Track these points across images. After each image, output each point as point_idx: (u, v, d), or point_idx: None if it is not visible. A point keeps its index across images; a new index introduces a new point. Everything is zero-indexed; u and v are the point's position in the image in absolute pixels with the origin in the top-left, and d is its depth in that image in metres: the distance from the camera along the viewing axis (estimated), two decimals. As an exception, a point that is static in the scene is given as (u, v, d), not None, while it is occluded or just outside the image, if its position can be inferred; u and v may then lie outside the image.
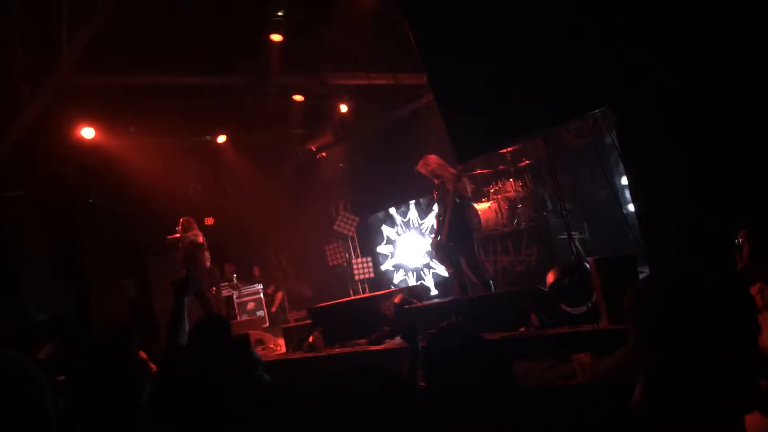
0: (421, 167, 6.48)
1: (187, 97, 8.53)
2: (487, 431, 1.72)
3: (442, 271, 8.78)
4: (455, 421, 1.74)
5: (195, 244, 8.34)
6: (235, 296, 10.07)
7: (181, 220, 8.74)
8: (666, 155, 3.06)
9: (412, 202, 9.87)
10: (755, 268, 2.68)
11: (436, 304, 6.74)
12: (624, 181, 7.15)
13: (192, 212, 9.01)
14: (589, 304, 4.51)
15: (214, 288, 8.74)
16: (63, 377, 3.16)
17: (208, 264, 8.59)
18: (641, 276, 4.09)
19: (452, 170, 6.37)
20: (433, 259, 9.16)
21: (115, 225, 9.88)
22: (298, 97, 8.83)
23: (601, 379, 1.89)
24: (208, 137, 10.01)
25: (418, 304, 6.09)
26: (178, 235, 8.75)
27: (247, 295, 10.31)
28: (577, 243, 7.33)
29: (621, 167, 6.77)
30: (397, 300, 6.00)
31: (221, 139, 9.97)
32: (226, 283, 9.93)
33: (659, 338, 1.61)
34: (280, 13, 7.15)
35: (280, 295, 10.87)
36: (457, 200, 6.33)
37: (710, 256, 2.77)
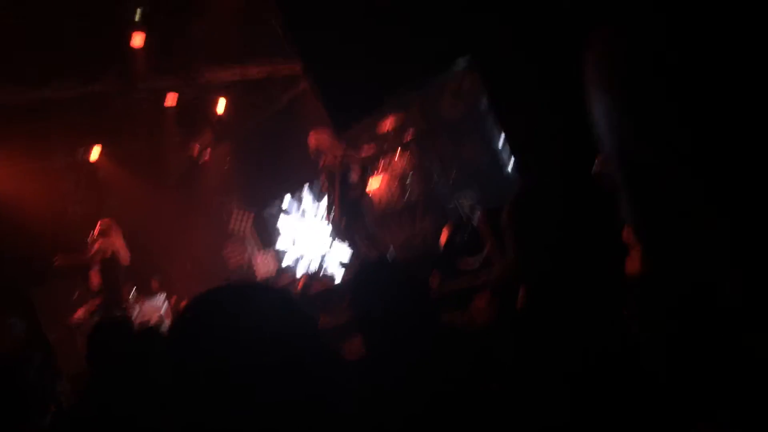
0: (311, 137, 6.48)
1: (52, 114, 8.04)
2: (407, 361, 1.77)
3: (344, 254, 8.83)
4: (379, 347, 1.79)
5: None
6: (136, 312, 9.65)
7: (99, 222, 8.24)
8: (527, 98, 3.24)
9: (304, 190, 9.84)
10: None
11: (339, 282, 6.78)
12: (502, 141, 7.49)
13: (75, 234, 8.54)
14: (483, 256, 4.72)
15: None
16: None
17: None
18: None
19: (338, 152, 6.43)
20: (334, 244, 9.19)
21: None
22: (171, 100, 8.55)
23: (492, 287, 2.01)
24: (80, 154, 9.49)
25: (321, 286, 6.13)
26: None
27: (149, 309, 9.89)
28: (466, 207, 7.61)
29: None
30: (299, 286, 6.01)
31: (95, 154, 9.49)
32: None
33: (531, 247, 1.73)
34: (137, 15, 6.89)
35: (184, 304, 10.54)
36: (347, 179, 6.41)
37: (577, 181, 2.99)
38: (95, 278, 8.47)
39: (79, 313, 8.87)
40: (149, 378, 2.69)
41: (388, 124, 8.02)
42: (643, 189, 0.63)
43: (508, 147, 6.11)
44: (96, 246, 8.07)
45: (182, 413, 0.86)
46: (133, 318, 9.20)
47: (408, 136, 8.21)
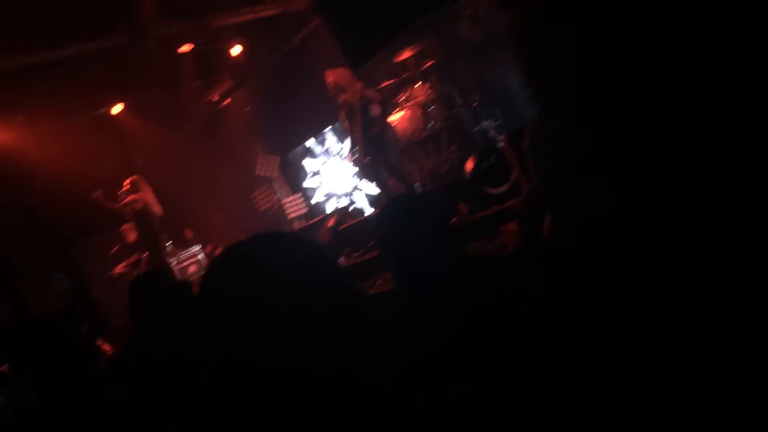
0: (328, 74, 6.40)
1: (71, 72, 8.05)
2: (437, 294, 1.78)
3: (372, 189, 8.85)
4: (408, 282, 1.80)
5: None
6: (174, 263, 9.90)
7: (128, 180, 8.46)
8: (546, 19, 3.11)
9: (327, 130, 9.79)
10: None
11: (369, 217, 6.82)
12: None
13: (106, 189, 8.71)
14: (511, 181, 4.67)
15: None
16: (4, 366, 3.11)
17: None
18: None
19: (358, 85, 6.34)
20: (362, 180, 9.20)
21: (29, 222, 9.44)
22: (185, 48, 8.46)
23: (519, 212, 2.00)
24: (103, 110, 9.55)
25: (352, 221, 6.17)
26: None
27: (186, 259, 10.15)
28: (491, 131, 7.50)
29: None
30: (330, 223, 6.06)
31: (117, 109, 9.53)
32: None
33: (554, 172, 1.70)
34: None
35: (220, 251, 10.74)
36: (367, 115, 6.34)
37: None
38: (131, 232, 8.68)
39: (120, 267, 9.14)
40: (189, 325, 2.78)
41: (405, 54, 7.85)
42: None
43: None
44: (127, 200, 8.25)
45: (216, 355, 0.90)
46: (172, 268, 9.46)
47: (426, 65, 8.05)
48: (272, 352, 0.87)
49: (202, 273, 0.96)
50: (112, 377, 2.77)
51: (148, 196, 8.42)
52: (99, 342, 5.37)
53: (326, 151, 10.05)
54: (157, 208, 8.51)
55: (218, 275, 0.96)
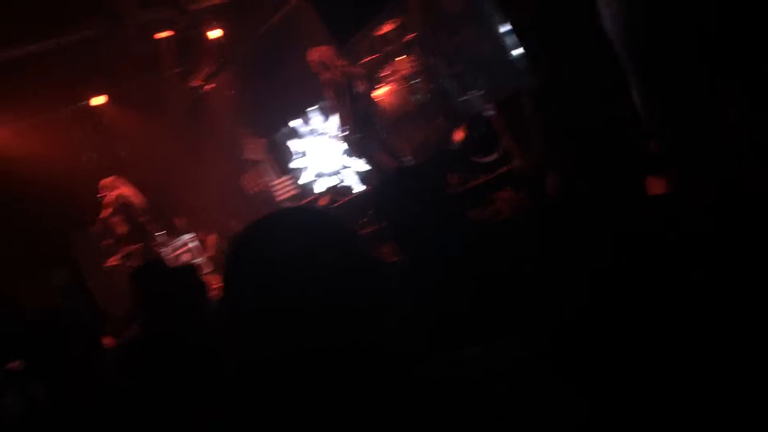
0: (312, 53, 6.37)
1: (50, 66, 7.93)
2: (445, 261, 1.79)
3: (361, 166, 8.82)
4: (415, 252, 1.82)
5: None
6: (167, 252, 9.86)
7: (102, 182, 8.47)
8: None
9: (311, 109, 9.73)
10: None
11: (361, 194, 6.83)
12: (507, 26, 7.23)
13: (93, 181, 8.66)
14: (500, 149, 4.69)
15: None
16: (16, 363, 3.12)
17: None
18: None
19: (341, 62, 6.31)
20: (350, 157, 9.17)
21: (20, 219, 9.36)
22: (164, 34, 8.36)
23: (518, 178, 2.03)
24: (84, 102, 9.44)
25: (344, 200, 6.18)
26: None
27: (179, 247, 10.09)
28: (477, 100, 7.49)
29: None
30: (323, 203, 6.07)
31: (99, 100, 9.42)
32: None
33: (559, 135, 1.73)
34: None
35: (212, 238, 10.69)
36: (353, 92, 6.31)
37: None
38: (119, 226, 8.67)
39: (113, 259, 9.11)
40: (196, 311, 2.80)
41: (386, 28, 7.78)
42: (653, 78, 0.64)
43: (512, 32, 5.92)
44: (109, 200, 8.30)
45: (245, 347, 0.88)
46: (165, 258, 9.45)
47: (408, 37, 7.99)
48: (304, 338, 0.84)
49: (225, 259, 0.94)
50: (123, 367, 2.79)
51: (125, 190, 8.44)
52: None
53: (312, 131, 9.99)
54: (138, 200, 8.53)
55: (241, 262, 0.92)
